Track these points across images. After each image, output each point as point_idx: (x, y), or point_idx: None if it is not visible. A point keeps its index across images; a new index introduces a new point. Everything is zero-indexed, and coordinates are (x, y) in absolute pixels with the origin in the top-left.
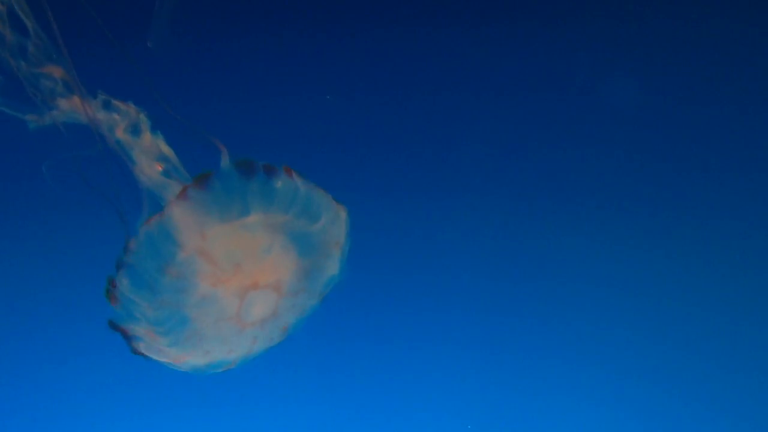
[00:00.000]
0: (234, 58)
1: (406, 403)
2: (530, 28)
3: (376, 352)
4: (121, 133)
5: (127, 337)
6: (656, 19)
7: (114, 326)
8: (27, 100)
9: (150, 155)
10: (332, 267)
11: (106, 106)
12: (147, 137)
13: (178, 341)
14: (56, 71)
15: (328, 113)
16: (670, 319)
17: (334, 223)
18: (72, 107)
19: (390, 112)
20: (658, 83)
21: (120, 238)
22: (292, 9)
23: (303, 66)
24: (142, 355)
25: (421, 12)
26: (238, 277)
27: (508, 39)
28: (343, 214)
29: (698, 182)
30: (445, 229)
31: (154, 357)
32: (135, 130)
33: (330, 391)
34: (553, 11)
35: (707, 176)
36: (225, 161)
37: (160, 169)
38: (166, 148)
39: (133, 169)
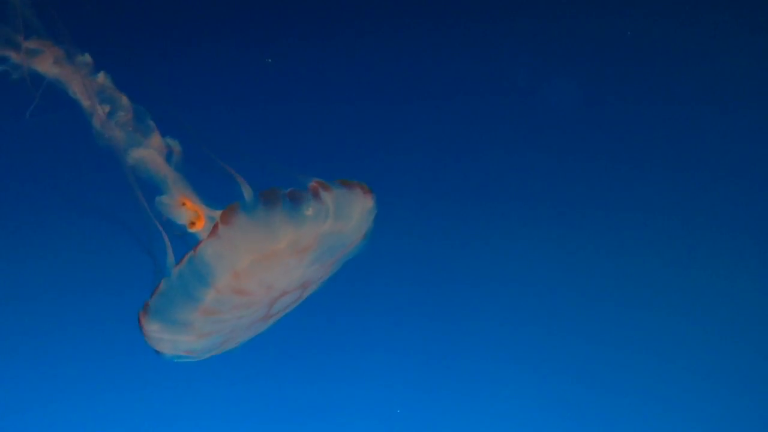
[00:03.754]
0: (230, 60)
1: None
2: (474, 30)
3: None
4: (121, 131)
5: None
6: (599, 19)
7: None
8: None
9: (156, 150)
10: (356, 248)
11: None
12: (155, 136)
13: (210, 350)
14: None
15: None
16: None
17: (363, 215)
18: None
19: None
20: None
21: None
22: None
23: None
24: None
25: (373, 15)
26: (271, 293)
27: (452, 41)
28: (370, 202)
29: (644, 182)
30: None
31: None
32: (142, 125)
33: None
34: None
35: (651, 177)
36: (248, 193)
37: (163, 161)
38: (172, 143)
39: (136, 162)
